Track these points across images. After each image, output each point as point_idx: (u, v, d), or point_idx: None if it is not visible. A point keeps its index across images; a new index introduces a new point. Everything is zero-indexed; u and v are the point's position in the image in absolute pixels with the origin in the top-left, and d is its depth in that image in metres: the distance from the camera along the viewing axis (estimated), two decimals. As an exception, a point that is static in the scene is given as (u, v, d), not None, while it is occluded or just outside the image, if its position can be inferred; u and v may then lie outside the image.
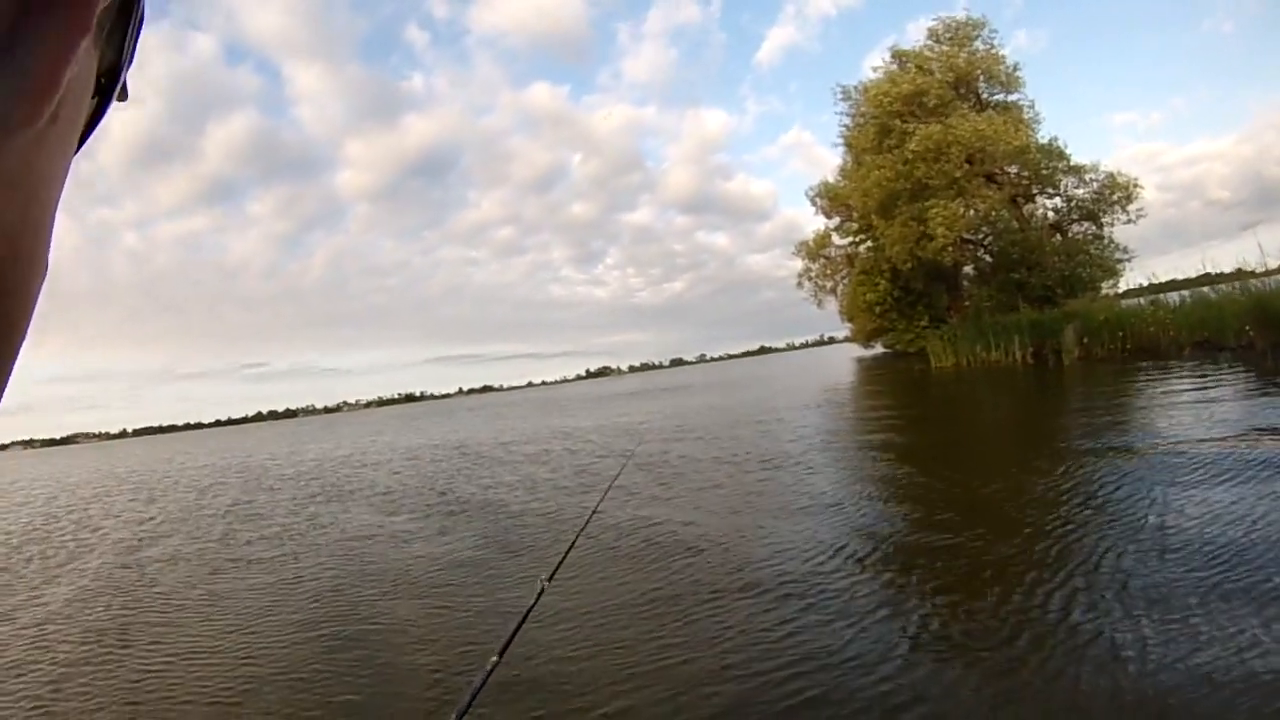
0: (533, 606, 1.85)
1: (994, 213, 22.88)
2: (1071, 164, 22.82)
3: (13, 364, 0.23)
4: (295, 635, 4.48)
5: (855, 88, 27.84)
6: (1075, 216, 23.28)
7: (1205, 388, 10.25)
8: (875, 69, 27.12)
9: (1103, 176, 22.30)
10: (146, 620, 5.20)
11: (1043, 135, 23.85)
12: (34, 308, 0.22)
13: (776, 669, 3.14)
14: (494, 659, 1.57)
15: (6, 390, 0.24)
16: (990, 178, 23.27)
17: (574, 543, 2.48)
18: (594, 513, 3.02)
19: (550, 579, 1.99)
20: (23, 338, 0.22)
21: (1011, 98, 24.22)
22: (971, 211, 22.74)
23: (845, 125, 29.33)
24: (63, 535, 10.11)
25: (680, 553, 5.22)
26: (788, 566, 4.58)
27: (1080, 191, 22.91)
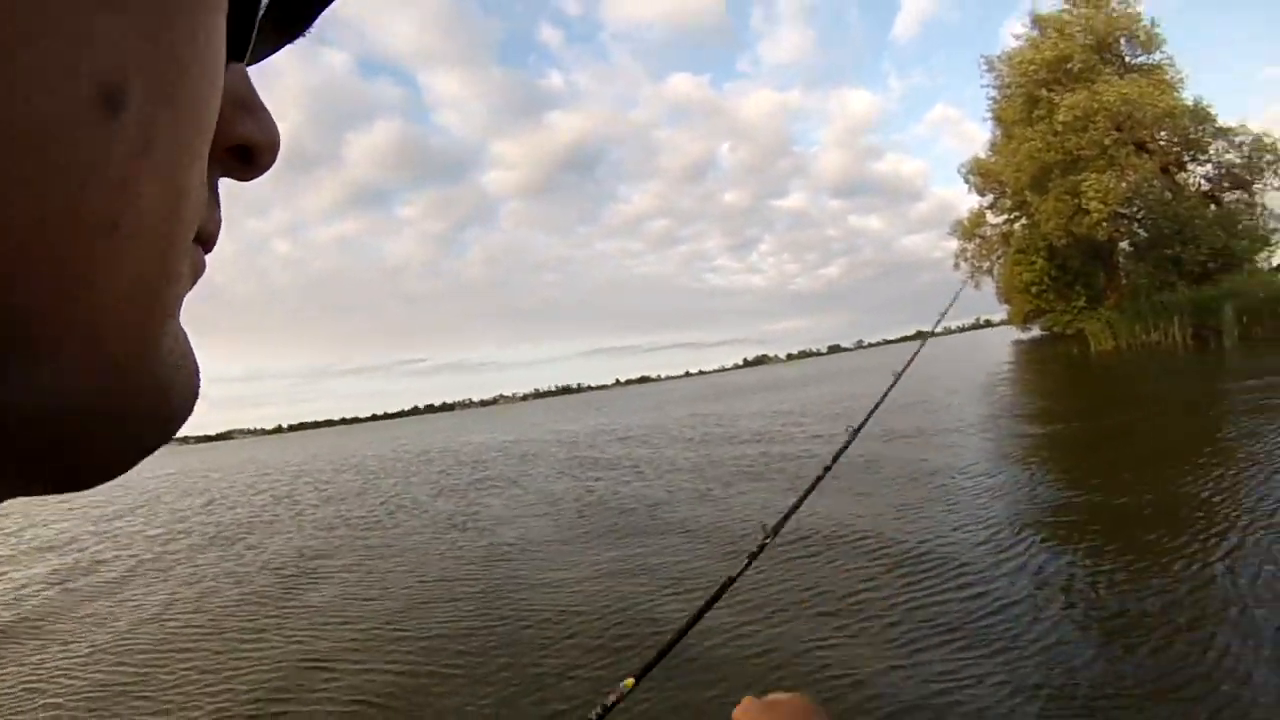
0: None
1: (1145, 183, 21.17)
2: (1219, 125, 20.59)
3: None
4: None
5: (999, 58, 27.16)
6: (1227, 185, 21.01)
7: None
8: (1016, 36, 26.23)
9: (1250, 139, 19.95)
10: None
11: (1187, 96, 21.96)
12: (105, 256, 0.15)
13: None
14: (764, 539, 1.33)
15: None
16: (1140, 145, 21.52)
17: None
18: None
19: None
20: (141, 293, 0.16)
21: (1153, 58, 22.40)
22: (1124, 183, 21.18)
23: (992, 98, 28.67)
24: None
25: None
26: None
27: (1230, 156, 20.63)
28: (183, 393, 0.19)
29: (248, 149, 0.20)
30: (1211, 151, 21.15)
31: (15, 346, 0.14)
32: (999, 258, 36.91)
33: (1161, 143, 21.60)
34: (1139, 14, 22.03)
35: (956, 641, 3.50)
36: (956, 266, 39.16)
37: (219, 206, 0.20)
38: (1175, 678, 2.93)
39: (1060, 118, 22.41)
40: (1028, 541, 4.88)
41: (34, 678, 4.77)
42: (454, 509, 9.29)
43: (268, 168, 0.22)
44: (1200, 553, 4.16)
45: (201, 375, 0.20)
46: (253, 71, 0.19)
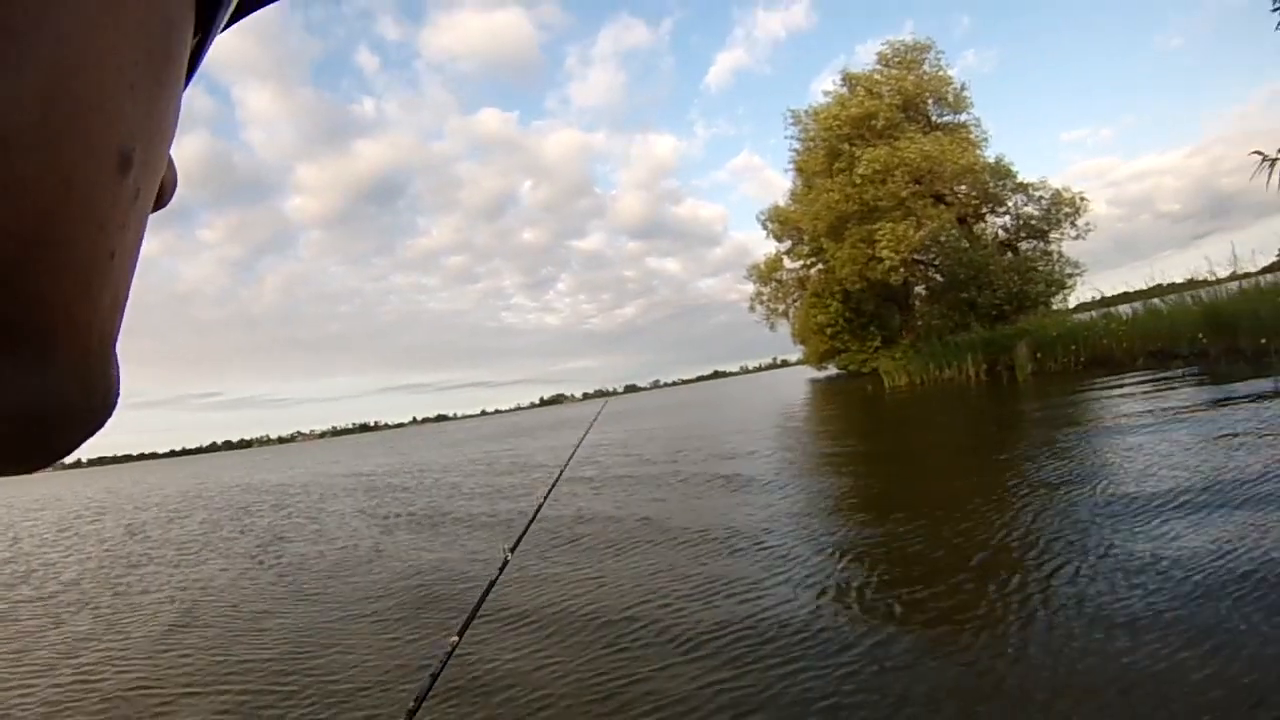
0: (497, 578, 1.77)
1: (943, 232, 23.20)
2: (1019, 181, 23.45)
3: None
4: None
5: (805, 112, 28.12)
6: (1024, 234, 23.82)
7: (1157, 392, 10.52)
8: (825, 93, 27.58)
9: (1050, 193, 22.99)
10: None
11: (990, 154, 24.56)
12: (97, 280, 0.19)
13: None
14: (453, 639, 1.50)
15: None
16: (939, 198, 23.65)
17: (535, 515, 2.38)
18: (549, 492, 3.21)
19: (513, 549, 1.93)
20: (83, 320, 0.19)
21: (960, 118, 24.86)
22: (920, 232, 23.01)
23: (795, 149, 29.60)
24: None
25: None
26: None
27: (1029, 209, 23.54)
28: (117, 391, 0.22)
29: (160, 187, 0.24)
30: (1010, 205, 23.82)
31: (32, 341, 0.17)
32: (795, 300, 39.16)
33: (960, 196, 23.88)
34: (949, 77, 24.45)
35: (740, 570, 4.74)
36: (752, 309, 41.18)
37: None
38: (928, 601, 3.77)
39: (860, 170, 23.82)
40: (813, 521, 5.99)
41: None
42: (258, 548, 9.05)
43: (167, 203, 0.27)
44: (947, 522, 5.22)
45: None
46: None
